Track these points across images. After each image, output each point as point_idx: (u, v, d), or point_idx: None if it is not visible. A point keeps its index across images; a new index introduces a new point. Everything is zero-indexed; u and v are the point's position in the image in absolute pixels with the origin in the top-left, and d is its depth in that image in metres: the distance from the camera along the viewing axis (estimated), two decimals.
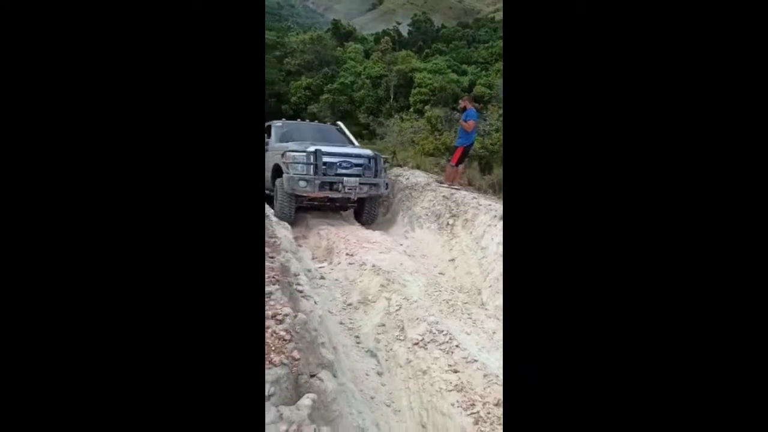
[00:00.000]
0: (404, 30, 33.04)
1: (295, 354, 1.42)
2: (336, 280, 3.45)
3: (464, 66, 18.86)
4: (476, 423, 1.74)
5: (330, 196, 4.94)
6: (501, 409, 1.77)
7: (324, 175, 4.77)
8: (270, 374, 1.27)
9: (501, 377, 1.96)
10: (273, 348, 1.40)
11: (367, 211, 5.50)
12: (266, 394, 1.20)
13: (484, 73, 16.95)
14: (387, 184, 5.39)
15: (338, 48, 21.09)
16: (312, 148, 4.79)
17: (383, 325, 2.68)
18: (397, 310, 2.73)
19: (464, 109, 5.44)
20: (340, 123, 7.13)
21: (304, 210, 5.36)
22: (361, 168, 5.08)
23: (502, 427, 1.69)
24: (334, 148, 5.13)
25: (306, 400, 1.24)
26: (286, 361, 1.36)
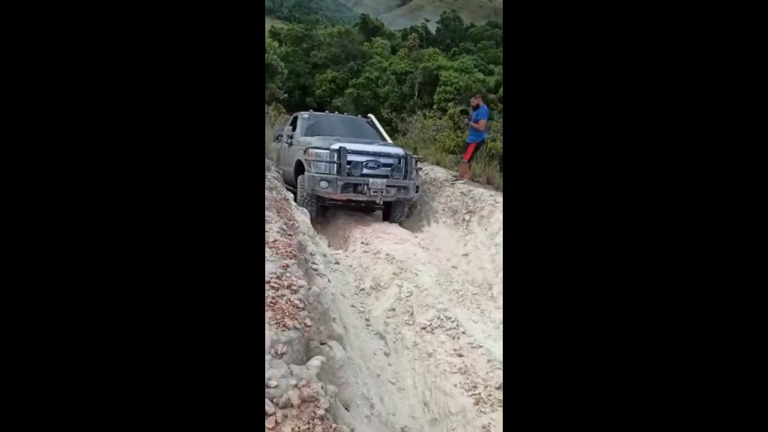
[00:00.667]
0: (432, 27, 32.89)
1: (308, 321, 1.51)
2: (350, 266, 3.54)
3: (491, 66, 18.70)
4: (477, 404, 1.80)
5: (353, 198, 4.55)
6: (502, 392, 1.82)
7: (348, 175, 4.37)
8: (283, 336, 1.36)
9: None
10: (287, 313, 1.49)
11: (394, 214, 5.12)
12: (278, 352, 1.29)
13: None
14: (417, 186, 4.96)
15: (365, 43, 21.22)
16: (336, 146, 4.41)
17: (393, 309, 2.75)
18: (407, 297, 2.80)
19: (477, 107, 5.48)
20: (371, 116, 6.58)
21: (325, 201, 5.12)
22: (389, 168, 4.66)
23: (502, 409, 1.75)
24: (361, 146, 4.70)
25: (315, 361, 1.33)
26: (298, 326, 1.45)
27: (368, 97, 15.39)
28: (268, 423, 1.03)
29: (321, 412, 1.12)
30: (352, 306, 2.85)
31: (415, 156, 5.13)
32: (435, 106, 13.51)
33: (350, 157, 4.44)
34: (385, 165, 4.66)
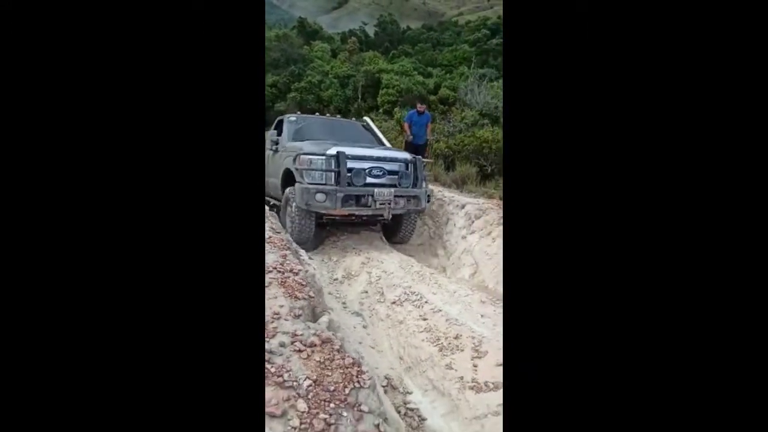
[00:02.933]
0: (370, 30, 33.56)
1: (311, 293, 1.96)
2: (321, 260, 3.96)
3: (429, 68, 19.64)
4: (440, 350, 2.33)
5: (356, 213, 3.82)
6: (459, 340, 2.36)
7: (349, 185, 3.67)
8: (296, 304, 1.80)
9: (459, 320, 2.57)
10: (295, 289, 1.92)
11: (403, 229, 4.43)
12: (296, 315, 1.72)
13: (448, 75, 17.75)
14: (429, 195, 4.36)
15: (305, 46, 21.31)
16: (333, 150, 3.70)
17: (366, 292, 3.23)
18: (377, 281, 3.29)
19: (422, 112, 6.29)
20: (367, 119, 5.90)
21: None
22: (396, 176, 3.99)
23: (460, 352, 2.29)
24: (362, 150, 4.02)
25: (324, 318, 1.79)
26: (306, 297, 1.89)
27: (312, 100, 15.61)
28: (302, 356, 1.47)
29: (337, 347, 1.58)
30: (329, 293, 3.28)
31: (424, 160, 4.44)
32: (380, 109, 14.08)
33: (350, 164, 3.74)
34: (391, 172, 3.99)
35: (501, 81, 10.16)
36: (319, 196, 3.59)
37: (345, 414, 1.27)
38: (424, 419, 1.98)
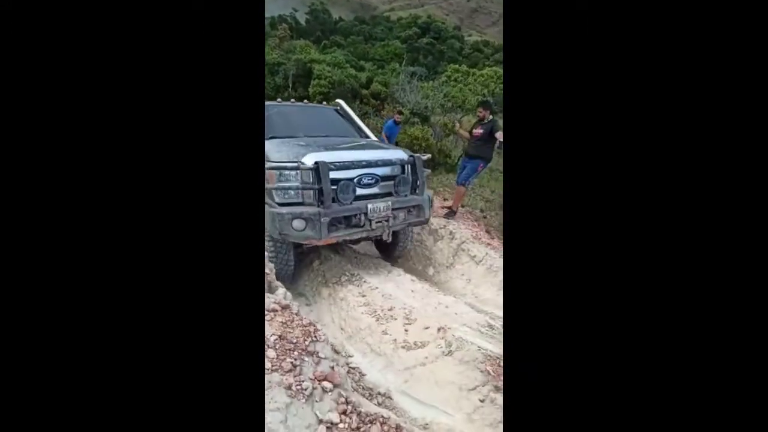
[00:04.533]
0: (301, 18, 32.90)
1: (267, 270, 2.22)
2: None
3: (362, 62, 19.95)
4: (377, 320, 2.72)
5: (347, 238, 3.05)
6: (393, 311, 2.77)
7: (334, 202, 2.81)
8: None
9: (393, 295, 2.98)
10: None
11: (401, 244, 3.73)
12: None
13: (380, 71, 18.17)
14: (431, 200, 3.52)
15: None
16: (309, 158, 2.79)
17: (309, 276, 3.52)
18: (318, 266, 3.58)
19: (399, 122, 6.64)
20: (341, 102, 4.71)
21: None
22: (391, 182, 3.19)
23: (396, 321, 2.70)
24: (345, 154, 3.07)
25: (280, 290, 2.08)
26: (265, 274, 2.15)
27: None
28: (267, 319, 1.75)
29: (295, 311, 1.89)
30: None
31: (423, 156, 3.47)
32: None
33: (335, 174, 2.85)
34: (385, 178, 3.18)
35: (431, 82, 10.78)
36: (297, 224, 2.70)
37: (306, 359, 1.59)
38: (364, 374, 2.36)
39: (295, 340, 1.66)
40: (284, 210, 2.76)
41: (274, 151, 2.94)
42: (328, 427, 1.38)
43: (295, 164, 2.79)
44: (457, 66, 18.35)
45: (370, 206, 2.98)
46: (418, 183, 3.31)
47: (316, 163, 2.79)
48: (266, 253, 2.89)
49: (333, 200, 2.83)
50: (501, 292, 3.23)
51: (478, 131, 4.40)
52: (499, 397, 1.94)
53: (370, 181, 3.11)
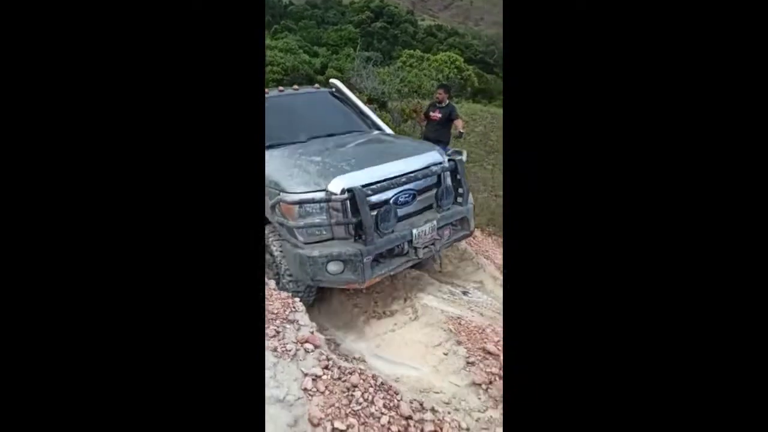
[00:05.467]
0: None
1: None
2: None
3: (315, 47, 19.61)
4: (348, 297, 2.91)
5: (393, 273, 2.47)
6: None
7: (377, 230, 2.26)
8: None
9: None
10: None
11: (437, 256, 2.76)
12: None
13: (335, 56, 17.98)
14: (473, 205, 2.90)
15: None
16: (337, 186, 2.23)
17: None
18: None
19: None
20: (336, 83, 3.86)
21: None
22: (431, 193, 2.65)
23: (366, 295, 2.90)
24: (378, 170, 2.42)
25: None
26: None
27: None
28: None
29: (272, 287, 2.03)
30: None
31: (462, 155, 2.97)
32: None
33: (374, 198, 2.31)
34: (423, 190, 2.62)
35: (387, 67, 10.87)
36: (334, 267, 2.22)
37: (288, 326, 1.75)
38: (338, 344, 2.55)
39: (276, 311, 1.82)
40: (315, 252, 2.20)
41: (285, 175, 2.35)
42: (313, 379, 1.56)
43: (323, 195, 2.21)
44: (411, 51, 18.50)
45: (415, 231, 2.42)
46: (461, 191, 2.73)
47: (349, 191, 2.21)
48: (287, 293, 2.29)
49: (377, 228, 2.26)
50: (461, 264, 3.51)
51: (437, 115, 4.42)
52: (461, 349, 2.21)
53: (407, 199, 2.52)
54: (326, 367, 1.68)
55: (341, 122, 3.43)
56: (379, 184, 2.35)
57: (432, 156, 2.76)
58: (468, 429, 1.58)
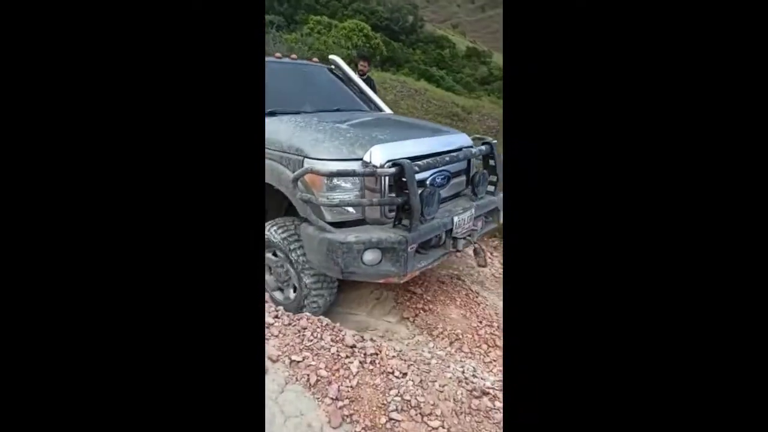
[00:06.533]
0: None
1: None
2: None
3: None
4: None
5: (431, 266, 2.13)
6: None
7: (422, 215, 1.89)
8: None
9: None
10: None
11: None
12: None
13: None
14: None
15: None
16: (378, 156, 1.87)
17: None
18: None
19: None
20: (336, 59, 3.55)
21: None
22: (462, 178, 2.45)
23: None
24: (415, 144, 2.12)
25: None
26: None
27: None
28: None
29: None
30: None
31: (491, 138, 2.62)
32: None
33: (418, 177, 1.96)
34: (455, 174, 2.37)
35: (294, 33, 10.52)
36: (371, 256, 1.85)
37: None
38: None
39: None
40: (351, 237, 1.81)
41: (309, 140, 1.95)
42: (267, 327, 1.76)
43: (364, 166, 1.85)
44: (318, 17, 17.89)
45: (456, 219, 2.10)
46: (496, 177, 2.51)
47: (397, 163, 1.83)
48: (307, 289, 2.07)
49: (422, 213, 1.89)
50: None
51: None
52: (390, 294, 2.56)
53: (442, 182, 2.23)
54: (276, 317, 1.89)
55: (346, 100, 3.12)
56: (425, 160, 2.00)
57: (462, 138, 2.49)
58: (401, 351, 1.92)
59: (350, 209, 1.90)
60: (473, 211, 2.24)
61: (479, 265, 2.31)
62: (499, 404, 1.70)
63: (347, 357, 1.77)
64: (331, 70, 3.47)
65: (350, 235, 1.82)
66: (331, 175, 1.79)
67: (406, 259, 1.84)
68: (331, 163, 1.83)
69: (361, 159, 1.87)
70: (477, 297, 2.72)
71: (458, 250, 2.19)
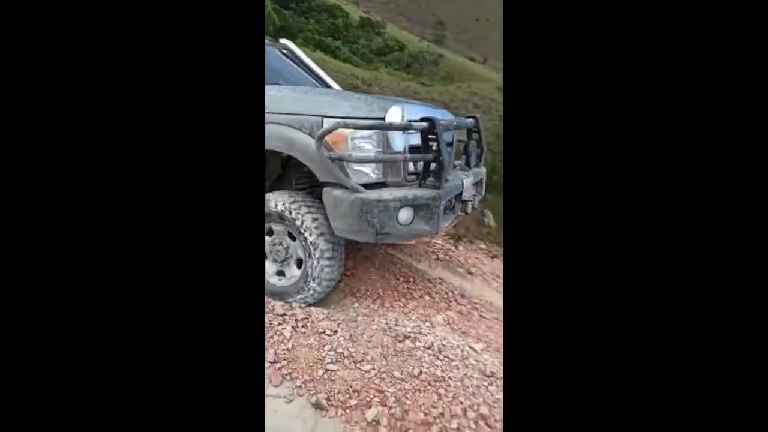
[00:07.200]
0: None
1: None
2: None
3: None
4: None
5: (449, 226, 2.30)
6: None
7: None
8: None
9: None
10: None
11: None
12: None
13: None
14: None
15: None
16: (396, 115, 1.85)
17: None
18: None
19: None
20: (288, 43, 3.63)
21: None
22: (461, 147, 2.63)
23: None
24: (423, 108, 2.20)
25: None
26: None
27: None
28: None
29: None
30: None
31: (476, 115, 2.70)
32: None
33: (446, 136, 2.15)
34: (450, 144, 2.45)
35: None
36: (405, 215, 1.81)
37: None
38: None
39: None
40: (386, 195, 1.76)
41: (324, 101, 1.93)
42: None
43: (400, 120, 1.82)
44: None
45: (465, 182, 2.19)
46: (483, 149, 2.67)
47: (428, 119, 1.84)
48: (318, 260, 2.00)
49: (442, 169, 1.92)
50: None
51: None
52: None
53: (449, 147, 2.36)
54: None
55: (303, 79, 3.21)
56: (446, 121, 2.04)
57: (444, 112, 2.56)
58: (329, 313, 2.07)
59: (371, 173, 1.85)
60: (472, 178, 2.34)
61: (488, 225, 2.50)
62: (420, 344, 1.96)
63: (279, 324, 1.86)
64: (283, 53, 3.53)
65: (385, 193, 1.78)
66: (369, 127, 1.74)
67: (439, 216, 1.85)
68: (355, 121, 1.74)
69: (383, 119, 1.81)
70: (393, 258, 2.97)
71: (466, 213, 2.27)
